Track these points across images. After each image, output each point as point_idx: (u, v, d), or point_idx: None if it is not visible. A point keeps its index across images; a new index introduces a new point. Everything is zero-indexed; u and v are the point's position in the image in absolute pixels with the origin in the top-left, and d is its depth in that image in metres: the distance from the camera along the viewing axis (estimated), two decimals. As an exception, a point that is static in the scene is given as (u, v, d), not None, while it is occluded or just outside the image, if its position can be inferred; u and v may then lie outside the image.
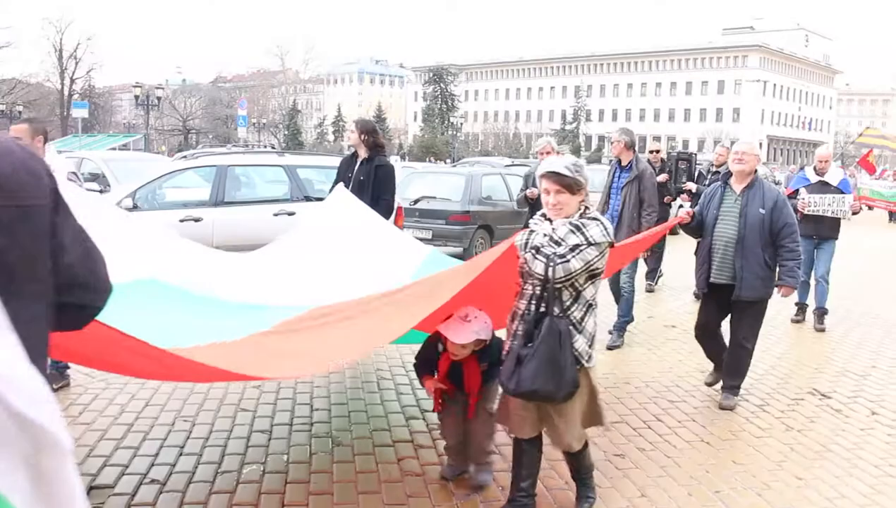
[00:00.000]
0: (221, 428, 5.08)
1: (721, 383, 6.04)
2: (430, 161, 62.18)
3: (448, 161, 60.40)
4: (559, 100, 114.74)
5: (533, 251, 3.64)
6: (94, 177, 13.43)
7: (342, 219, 5.69)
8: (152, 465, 4.46)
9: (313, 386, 6.02)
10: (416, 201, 12.49)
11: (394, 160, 51.07)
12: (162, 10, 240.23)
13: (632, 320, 7.92)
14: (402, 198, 10.58)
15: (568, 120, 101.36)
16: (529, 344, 3.62)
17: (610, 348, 7.47)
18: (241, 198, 9.17)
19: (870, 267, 14.69)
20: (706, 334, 6.15)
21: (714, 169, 11.37)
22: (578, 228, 3.61)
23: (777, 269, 5.79)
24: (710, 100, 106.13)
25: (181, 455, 4.63)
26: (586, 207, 3.72)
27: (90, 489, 4.13)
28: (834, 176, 8.80)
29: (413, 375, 6.31)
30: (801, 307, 9.27)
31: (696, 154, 11.33)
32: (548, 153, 8.05)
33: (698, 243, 6.06)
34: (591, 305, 3.71)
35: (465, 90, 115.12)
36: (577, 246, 3.56)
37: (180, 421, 5.18)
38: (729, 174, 5.94)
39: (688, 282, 10.64)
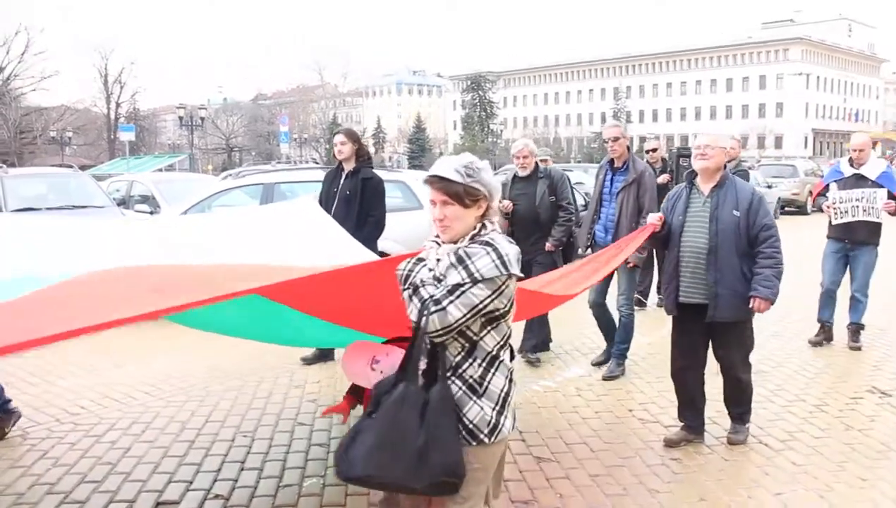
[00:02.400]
0: (280, 443, 5.16)
1: (728, 416, 5.21)
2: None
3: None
4: (598, 102, 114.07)
5: (410, 290, 2.75)
6: (145, 199, 13.72)
7: (296, 224, 4.92)
8: (215, 480, 4.56)
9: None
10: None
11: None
12: (201, 31, 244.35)
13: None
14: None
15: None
16: (373, 414, 2.71)
17: (607, 378, 6.57)
18: (288, 214, 9.29)
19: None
20: (688, 377, 5.13)
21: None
22: (461, 260, 2.65)
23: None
24: (751, 96, 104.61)
25: (242, 469, 4.73)
26: (483, 225, 2.76)
27: (157, 505, 4.24)
28: (873, 168, 7.40)
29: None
30: (824, 326, 7.75)
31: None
32: (525, 158, 6.95)
33: (664, 255, 5.30)
34: (495, 358, 2.75)
35: (503, 97, 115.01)
36: (457, 286, 2.61)
37: (240, 437, 5.28)
38: (694, 173, 5.01)
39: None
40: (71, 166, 14.95)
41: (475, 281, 2.60)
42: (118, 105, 72.64)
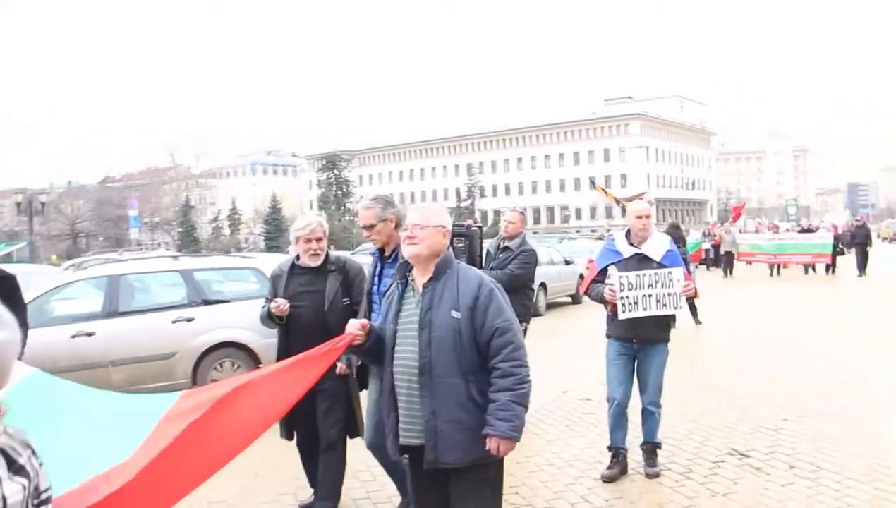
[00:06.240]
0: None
1: None
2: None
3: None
4: (452, 178, 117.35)
5: None
6: (-24, 296, 12.71)
7: None
8: None
9: None
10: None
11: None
12: (44, 114, 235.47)
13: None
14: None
15: (462, 197, 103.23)
16: None
17: None
18: (136, 307, 8.78)
19: (760, 316, 15.22)
20: None
21: (504, 244, 7.59)
22: None
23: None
24: (597, 168, 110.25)
25: None
26: None
27: None
28: (657, 247, 5.85)
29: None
30: (617, 454, 5.90)
31: (481, 226, 7.23)
32: (317, 240, 5.18)
33: (382, 378, 3.72)
34: None
35: (359, 175, 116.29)
36: None
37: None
38: (408, 264, 3.60)
39: (596, 351, 10.70)
40: None
41: None
42: (-51, 192, 68.47)
